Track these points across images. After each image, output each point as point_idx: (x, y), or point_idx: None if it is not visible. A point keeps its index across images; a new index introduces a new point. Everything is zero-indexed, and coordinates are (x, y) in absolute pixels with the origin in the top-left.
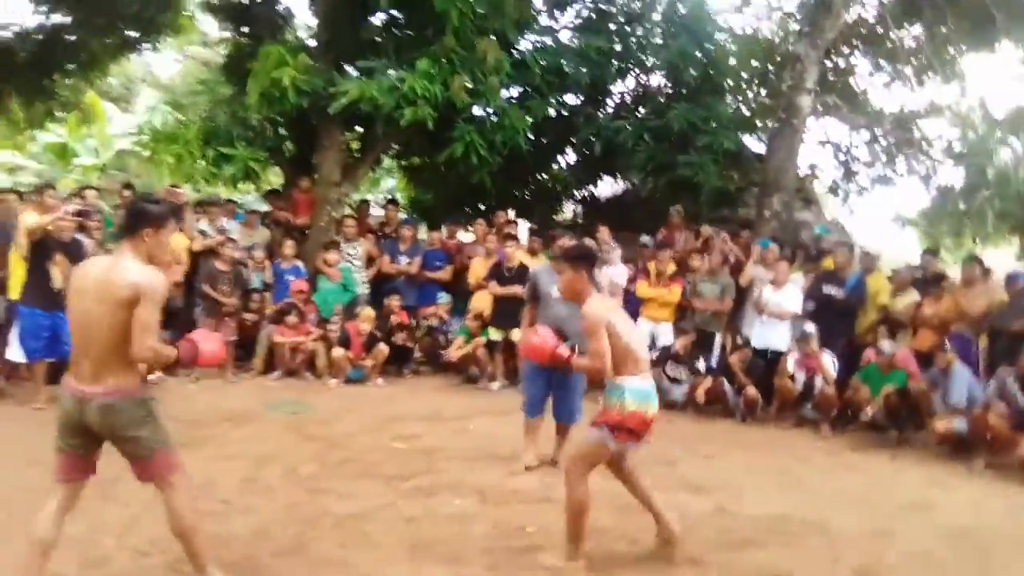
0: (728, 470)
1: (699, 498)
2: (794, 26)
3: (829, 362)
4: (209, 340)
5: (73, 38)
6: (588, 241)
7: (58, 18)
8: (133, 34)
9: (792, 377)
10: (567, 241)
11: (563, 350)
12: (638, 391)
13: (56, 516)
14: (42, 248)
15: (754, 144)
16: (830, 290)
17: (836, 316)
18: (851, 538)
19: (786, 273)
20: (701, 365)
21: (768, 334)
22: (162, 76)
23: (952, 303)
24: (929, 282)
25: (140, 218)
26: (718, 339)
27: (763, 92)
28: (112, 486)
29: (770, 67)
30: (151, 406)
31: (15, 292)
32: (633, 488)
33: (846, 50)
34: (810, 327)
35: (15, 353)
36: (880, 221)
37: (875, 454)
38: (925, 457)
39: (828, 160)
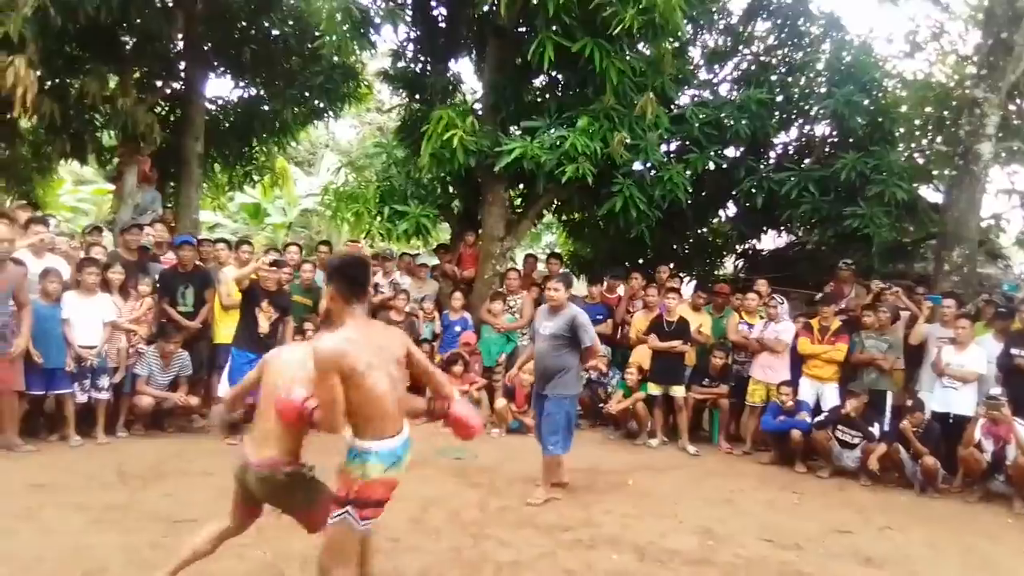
0: (906, 544)
1: (872, 571)
2: (971, 69)
3: (1022, 430)
4: None
5: (268, 109)
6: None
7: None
8: (319, 104)
9: (979, 446)
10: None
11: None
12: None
13: None
14: (250, 296)
15: (931, 194)
16: (1019, 353)
17: None
18: None
19: (969, 332)
20: (875, 429)
21: (950, 397)
22: (341, 141)
23: None
24: None
25: None
26: (890, 399)
27: (939, 139)
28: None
29: (946, 113)
30: None
31: (219, 336)
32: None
33: None
34: (997, 390)
35: (224, 391)
36: None
37: None
38: None
39: (1015, 210)
